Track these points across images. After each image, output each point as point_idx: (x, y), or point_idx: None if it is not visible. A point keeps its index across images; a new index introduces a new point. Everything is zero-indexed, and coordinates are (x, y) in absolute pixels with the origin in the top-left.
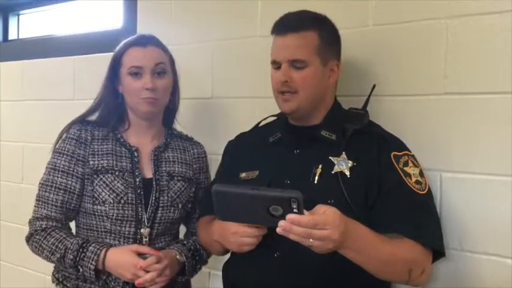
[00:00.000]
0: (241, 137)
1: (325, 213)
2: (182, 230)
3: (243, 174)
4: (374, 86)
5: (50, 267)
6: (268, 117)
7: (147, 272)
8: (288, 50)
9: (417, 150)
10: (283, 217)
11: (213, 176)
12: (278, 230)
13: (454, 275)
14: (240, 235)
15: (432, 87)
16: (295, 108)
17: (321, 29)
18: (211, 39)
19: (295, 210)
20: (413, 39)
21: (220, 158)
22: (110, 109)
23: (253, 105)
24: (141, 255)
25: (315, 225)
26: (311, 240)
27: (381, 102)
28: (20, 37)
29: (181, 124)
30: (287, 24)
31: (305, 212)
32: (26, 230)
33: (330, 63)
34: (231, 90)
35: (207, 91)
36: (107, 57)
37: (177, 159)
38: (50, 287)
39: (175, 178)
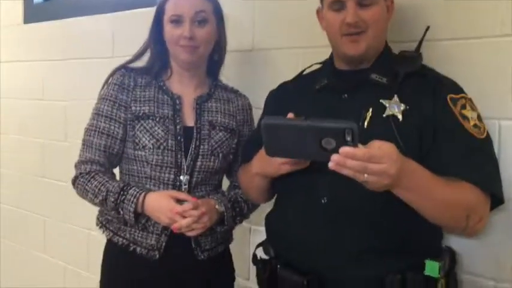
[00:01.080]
0: (284, 86)
1: (381, 148)
2: (226, 183)
3: None
4: (428, 28)
5: (93, 223)
6: (312, 65)
7: (184, 217)
8: None
9: (474, 97)
10: (336, 151)
11: None
12: (330, 164)
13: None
14: (278, 164)
15: (490, 29)
16: (364, 49)
17: None
18: None
19: (349, 142)
20: None
21: (260, 111)
22: (154, 56)
23: (295, 56)
24: (179, 201)
25: (370, 159)
26: (366, 175)
27: (434, 47)
28: None
29: (226, 77)
30: None
31: (360, 145)
32: (71, 187)
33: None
34: (272, 41)
35: (248, 43)
36: (145, 12)
37: (220, 110)
38: (93, 242)
39: (217, 128)
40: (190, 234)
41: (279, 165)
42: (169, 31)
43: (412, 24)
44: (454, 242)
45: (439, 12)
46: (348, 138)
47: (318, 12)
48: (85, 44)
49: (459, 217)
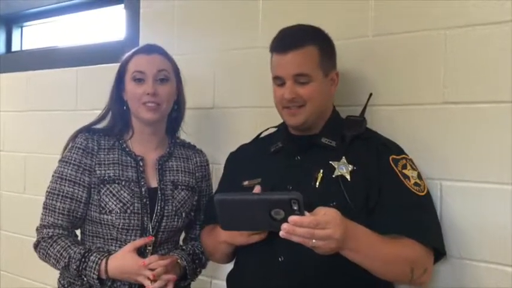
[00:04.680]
0: (243, 148)
1: (326, 214)
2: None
3: (246, 182)
4: (371, 95)
5: (51, 277)
6: (268, 128)
7: (151, 270)
8: (291, 66)
9: (417, 159)
10: (285, 220)
11: (215, 186)
12: (281, 233)
13: (454, 283)
14: (248, 235)
15: (431, 96)
16: (302, 121)
17: (320, 42)
18: (213, 50)
19: (296, 212)
20: (412, 49)
21: (221, 167)
22: (116, 117)
23: (254, 114)
24: (140, 250)
25: (316, 225)
26: (314, 240)
27: (379, 112)
28: (23, 48)
29: (187, 133)
30: (287, 42)
31: (306, 213)
32: (27, 240)
33: (331, 74)
34: (232, 100)
35: (209, 101)
36: (110, 68)
37: (180, 168)
38: None
39: (179, 187)
40: None
41: (248, 236)
42: (132, 89)
43: (360, 90)
44: None
45: (385, 79)
46: (295, 208)
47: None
48: (48, 96)
49: (403, 271)
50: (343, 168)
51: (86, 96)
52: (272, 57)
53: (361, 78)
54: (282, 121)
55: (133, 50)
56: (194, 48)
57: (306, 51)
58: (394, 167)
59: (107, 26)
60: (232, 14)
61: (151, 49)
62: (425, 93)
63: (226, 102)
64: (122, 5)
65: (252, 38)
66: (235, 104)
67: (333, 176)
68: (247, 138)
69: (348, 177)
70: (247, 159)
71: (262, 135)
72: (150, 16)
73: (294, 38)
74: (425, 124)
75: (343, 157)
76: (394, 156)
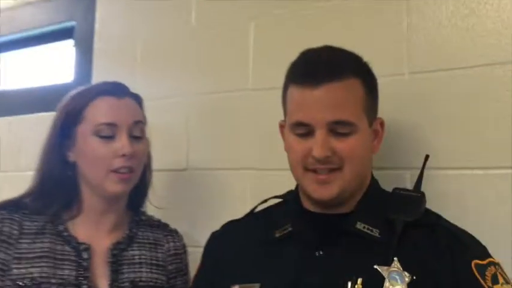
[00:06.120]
0: (230, 228)
1: None
2: None
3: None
4: (427, 157)
5: None
6: (269, 199)
7: None
8: (326, 107)
9: (490, 246)
10: None
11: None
12: None
13: None
14: None
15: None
16: (336, 194)
17: (364, 74)
18: (185, 94)
19: None
20: (470, 89)
21: (197, 251)
22: (56, 186)
23: (242, 179)
24: None
25: None
26: None
27: (432, 177)
28: None
29: (156, 206)
30: (318, 70)
31: None
32: None
33: (375, 122)
34: (212, 158)
35: (181, 160)
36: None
37: (145, 260)
38: None
39: None
40: None
41: None
42: (95, 148)
43: (397, 146)
44: None
45: (434, 131)
46: None
47: (281, 126)
48: None
49: None
50: (397, 279)
51: (25, 153)
52: (289, 92)
53: (399, 129)
54: (288, 189)
55: (92, 88)
56: (162, 93)
57: (347, 85)
58: (481, 280)
59: (52, 66)
60: (214, 49)
61: (122, 90)
62: (501, 152)
63: (205, 162)
64: (72, 41)
65: (240, 77)
66: (216, 164)
67: None
68: (233, 213)
69: None
70: (237, 247)
71: (258, 209)
72: (106, 54)
73: (328, 64)
74: (498, 194)
75: (395, 259)
76: (478, 262)
